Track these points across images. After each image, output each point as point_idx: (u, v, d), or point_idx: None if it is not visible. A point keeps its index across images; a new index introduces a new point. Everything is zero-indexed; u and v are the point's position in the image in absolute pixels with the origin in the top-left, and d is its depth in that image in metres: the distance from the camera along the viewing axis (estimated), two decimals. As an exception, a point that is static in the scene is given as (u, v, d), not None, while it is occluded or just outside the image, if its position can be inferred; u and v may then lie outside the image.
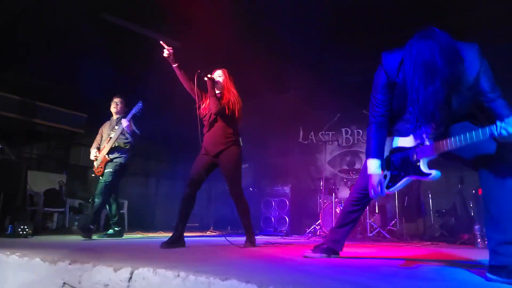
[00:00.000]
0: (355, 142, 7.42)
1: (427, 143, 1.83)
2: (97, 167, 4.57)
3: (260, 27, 6.44)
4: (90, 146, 4.77)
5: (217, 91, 3.41)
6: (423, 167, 1.86)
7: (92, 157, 4.66)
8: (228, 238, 3.75)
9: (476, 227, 4.57)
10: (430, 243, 4.82)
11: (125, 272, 1.68)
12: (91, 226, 4.24)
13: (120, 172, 4.52)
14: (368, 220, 5.57)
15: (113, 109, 4.75)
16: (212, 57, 7.04)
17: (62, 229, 6.07)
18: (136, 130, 4.57)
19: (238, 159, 3.40)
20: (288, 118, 7.94)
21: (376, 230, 5.50)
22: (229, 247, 3.25)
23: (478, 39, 1.80)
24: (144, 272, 1.62)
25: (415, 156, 1.89)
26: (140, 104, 4.47)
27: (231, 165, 3.34)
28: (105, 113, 7.31)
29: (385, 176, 2.04)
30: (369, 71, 7.07)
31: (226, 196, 7.61)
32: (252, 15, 6.00)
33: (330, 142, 7.25)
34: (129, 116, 4.46)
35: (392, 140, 2.06)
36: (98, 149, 4.68)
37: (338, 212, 5.78)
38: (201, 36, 6.51)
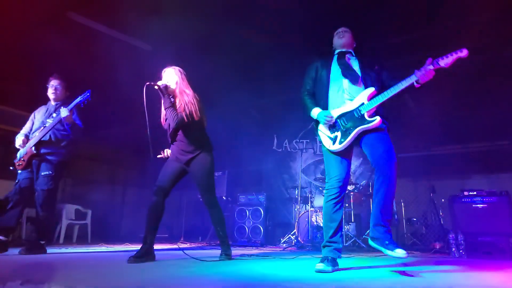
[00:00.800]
0: (329, 150, 7.36)
1: (365, 102, 2.47)
2: (20, 159, 3.70)
3: (233, 31, 6.30)
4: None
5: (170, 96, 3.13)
6: (366, 116, 2.44)
7: (17, 144, 3.74)
8: (198, 251, 3.50)
9: (451, 236, 4.57)
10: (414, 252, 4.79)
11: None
12: (42, 242, 3.61)
13: (60, 172, 3.73)
14: (343, 230, 5.47)
15: (51, 94, 3.94)
16: (183, 60, 6.86)
17: (18, 241, 5.57)
18: (78, 122, 3.82)
19: (210, 166, 3.16)
20: (262, 125, 7.80)
21: (352, 240, 5.41)
22: (204, 261, 3.01)
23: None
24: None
25: (361, 111, 2.46)
26: (88, 93, 3.63)
27: (203, 172, 3.11)
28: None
29: (336, 137, 2.54)
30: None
31: (197, 205, 7.36)
32: (226, 17, 5.85)
33: (304, 150, 7.16)
34: (72, 105, 3.59)
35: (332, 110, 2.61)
36: (27, 138, 3.81)
37: (314, 221, 5.66)
38: (173, 39, 6.30)
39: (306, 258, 3.53)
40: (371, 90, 2.47)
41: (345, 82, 2.58)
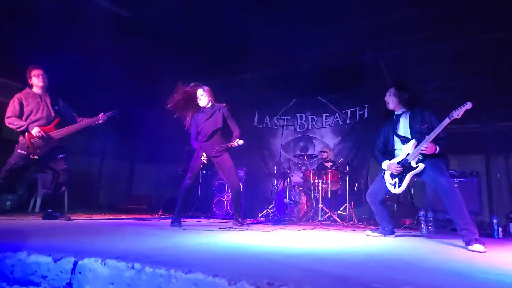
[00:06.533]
0: (309, 128, 7.44)
1: (410, 152, 3.14)
2: (39, 147, 3.92)
3: (217, 5, 6.16)
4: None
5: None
6: (413, 164, 3.10)
7: (35, 132, 3.87)
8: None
9: (421, 213, 4.77)
10: (377, 227, 4.98)
11: (67, 262, 1.45)
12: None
13: None
14: (319, 205, 5.64)
15: (39, 82, 4.10)
16: (165, 30, 6.69)
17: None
18: None
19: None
20: (243, 101, 7.77)
21: (327, 215, 5.59)
22: (185, 232, 3.06)
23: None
24: (91, 263, 1.41)
25: (407, 160, 3.14)
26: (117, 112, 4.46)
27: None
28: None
29: (395, 182, 3.25)
30: (326, 60, 7.07)
31: (175, 179, 7.37)
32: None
33: (285, 127, 7.22)
34: (106, 117, 4.39)
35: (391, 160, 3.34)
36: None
37: (292, 196, 5.78)
38: (154, 6, 6.10)
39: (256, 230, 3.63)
40: (412, 142, 3.14)
41: (403, 146, 3.25)
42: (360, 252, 2.24)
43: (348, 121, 7.08)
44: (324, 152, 6.46)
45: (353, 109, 7.05)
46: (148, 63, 7.56)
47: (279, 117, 7.66)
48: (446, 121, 2.88)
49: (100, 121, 4.34)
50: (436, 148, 2.97)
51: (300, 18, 6.10)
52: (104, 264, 1.39)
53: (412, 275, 1.50)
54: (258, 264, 1.56)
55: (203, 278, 1.17)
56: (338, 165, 6.09)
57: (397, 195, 6.69)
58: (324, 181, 5.77)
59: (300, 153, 6.86)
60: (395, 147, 3.35)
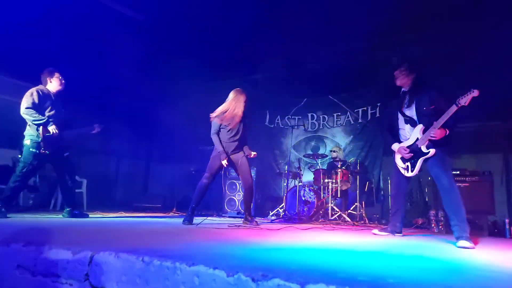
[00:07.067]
0: (320, 127, 7.51)
1: (419, 137, 3.11)
2: (49, 141, 4.11)
3: (229, 6, 6.28)
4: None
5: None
6: (424, 149, 3.07)
7: (52, 129, 4.08)
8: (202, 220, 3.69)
9: (432, 212, 4.79)
10: (387, 226, 5.01)
11: (84, 255, 1.60)
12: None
13: None
14: (329, 204, 5.71)
15: (58, 86, 4.32)
16: (177, 33, 6.87)
17: (15, 208, 5.74)
18: None
19: None
20: (254, 101, 7.87)
21: (337, 214, 5.65)
22: (195, 229, 3.21)
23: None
24: (106, 256, 1.55)
25: (417, 146, 3.11)
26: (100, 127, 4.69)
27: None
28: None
29: (407, 166, 3.24)
30: (336, 58, 7.09)
31: (189, 178, 7.56)
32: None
33: (296, 127, 7.30)
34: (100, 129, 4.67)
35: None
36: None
37: (302, 195, 5.87)
38: (167, 10, 6.27)
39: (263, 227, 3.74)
40: (420, 127, 3.11)
41: (407, 126, 3.26)
42: (359, 249, 2.32)
43: (360, 120, 7.11)
44: (334, 151, 6.52)
45: (365, 108, 7.08)
46: (163, 64, 7.76)
47: (290, 116, 7.75)
48: (453, 108, 2.85)
49: (95, 131, 4.61)
50: (446, 131, 2.96)
51: (311, 17, 6.16)
52: (118, 257, 1.52)
53: (402, 270, 1.58)
54: (258, 258, 1.67)
55: (204, 270, 1.29)
56: (349, 164, 6.14)
57: (411, 194, 6.79)
58: (334, 181, 5.83)
59: (311, 153, 6.94)
60: (399, 126, 3.34)
